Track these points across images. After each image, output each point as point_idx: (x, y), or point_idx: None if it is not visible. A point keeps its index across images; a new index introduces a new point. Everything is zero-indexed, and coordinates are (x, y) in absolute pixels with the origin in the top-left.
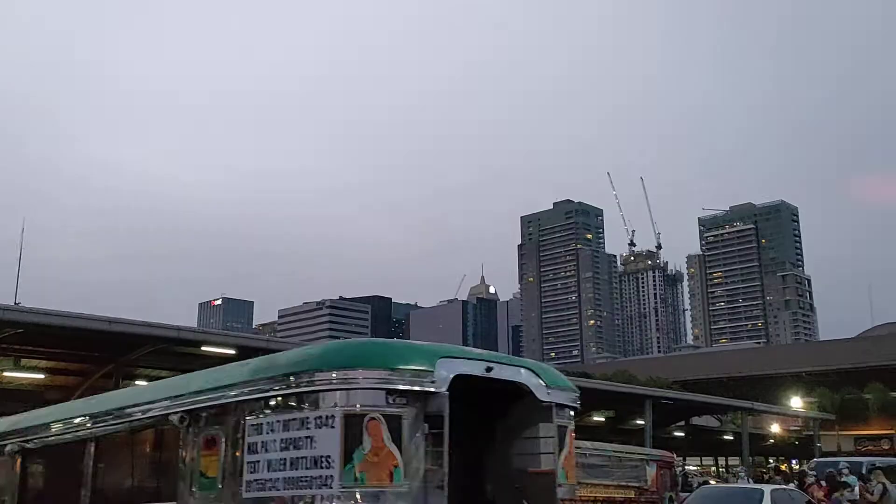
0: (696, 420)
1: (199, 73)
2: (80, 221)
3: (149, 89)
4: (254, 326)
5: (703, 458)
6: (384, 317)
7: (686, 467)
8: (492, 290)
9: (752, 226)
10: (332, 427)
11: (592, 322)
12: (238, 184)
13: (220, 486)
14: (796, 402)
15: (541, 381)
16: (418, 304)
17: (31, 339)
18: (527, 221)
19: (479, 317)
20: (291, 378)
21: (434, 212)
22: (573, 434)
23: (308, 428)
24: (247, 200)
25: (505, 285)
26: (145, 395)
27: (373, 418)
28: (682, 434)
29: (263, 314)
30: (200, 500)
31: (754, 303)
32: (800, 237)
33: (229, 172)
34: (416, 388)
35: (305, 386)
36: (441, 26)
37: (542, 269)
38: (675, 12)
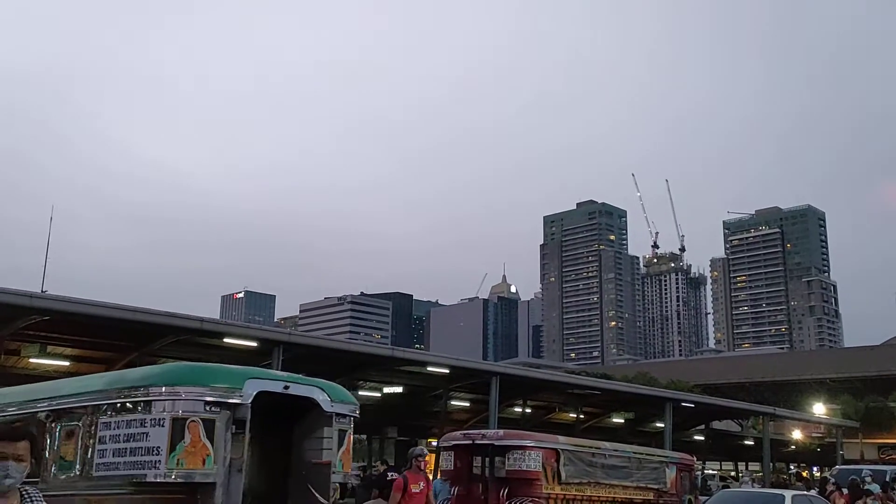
0: (716, 424)
1: (230, 70)
2: (109, 211)
3: (179, 82)
4: (275, 320)
5: (722, 463)
6: (405, 314)
7: (706, 471)
8: (513, 289)
9: (777, 230)
10: (162, 426)
11: (614, 323)
12: (264, 178)
13: (76, 468)
14: (819, 409)
15: (327, 397)
16: (439, 302)
17: (57, 326)
18: (549, 221)
19: (499, 316)
20: (134, 390)
21: (457, 210)
22: (351, 435)
23: (144, 426)
24: (272, 195)
25: (526, 285)
26: (22, 394)
27: (192, 421)
28: (702, 438)
29: (285, 308)
30: (60, 478)
31: (778, 308)
32: (826, 242)
33: (255, 167)
34: (226, 401)
35: (143, 396)
36: (463, 27)
37: (563, 270)
38: (713, 15)
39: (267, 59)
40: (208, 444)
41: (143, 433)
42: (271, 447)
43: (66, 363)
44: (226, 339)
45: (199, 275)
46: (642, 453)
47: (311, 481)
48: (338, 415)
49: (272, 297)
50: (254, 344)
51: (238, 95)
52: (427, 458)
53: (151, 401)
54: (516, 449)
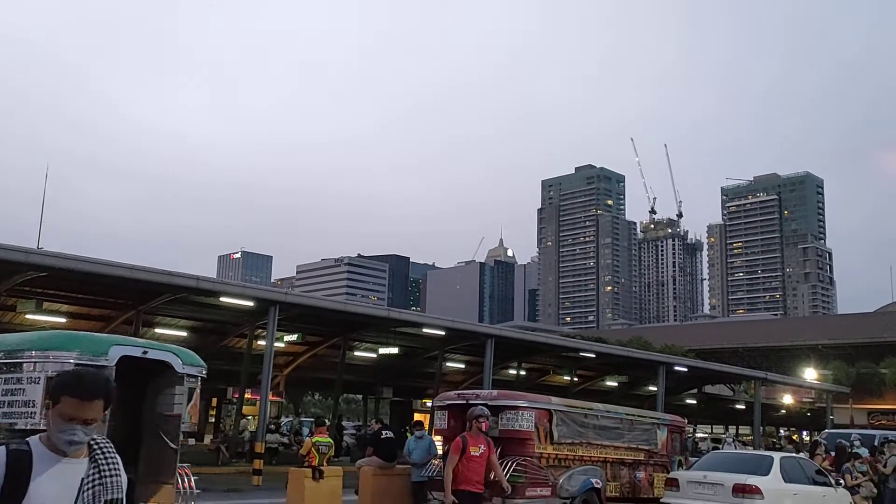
0: (709, 389)
1: (229, 26)
2: (106, 168)
3: (177, 39)
4: (272, 281)
5: (713, 426)
6: (401, 276)
7: (698, 434)
8: (510, 253)
9: (775, 196)
10: (38, 384)
11: (609, 288)
12: (262, 138)
13: None
14: (811, 375)
15: (179, 360)
16: (436, 265)
17: (54, 283)
18: (547, 185)
19: (496, 279)
20: (14, 353)
21: (455, 173)
22: (198, 392)
23: (22, 384)
24: (270, 155)
25: (523, 249)
26: None
27: None
28: (695, 402)
29: (282, 269)
30: None
31: (773, 274)
32: (823, 210)
33: (254, 126)
34: (93, 363)
35: (21, 359)
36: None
37: (561, 234)
38: None
39: (265, 14)
40: None
41: (21, 389)
42: (132, 402)
43: (63, 320)
44: (222, 298)
45: (195, 234)
46: (634, 415)
47: (164, 430)
48: (188, 375)
49: (269, 258)
50: (250, 303)
51: (237, 54)
52: (423, 420)
53: (28, 362)
54: (509, 409)
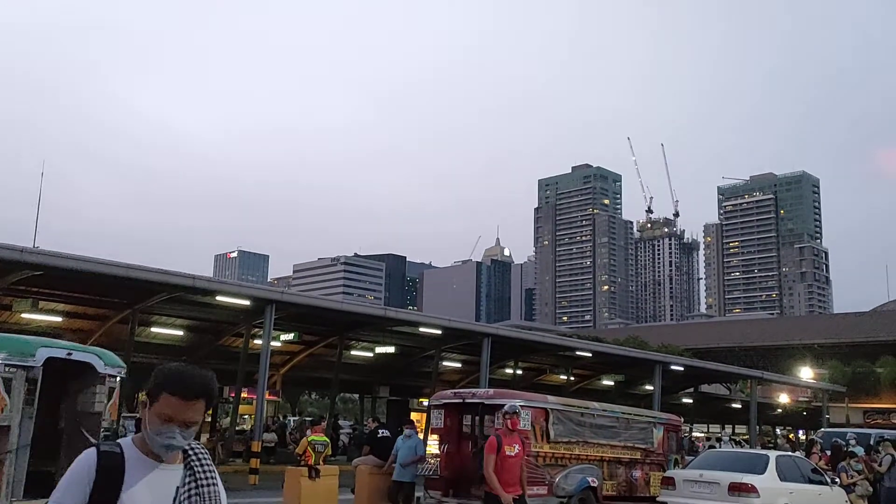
0: (705, 388)
1: (228, 25)
2: (103, 167)
3: (176, 37)
4: (269, 280)
5: (710, 426)
6: (398, 275)
7: (695, 434)
8: (507, 252)
9: (771, 196)
10: None
11: (606, 287)
12: (260, 137)
13: None
14: (807, 374)
15: (101, 361)
16: (432, 264)
17: (50, 282)
18: (544, 185)
19: (492, 278)
20: None
21: (452, 173)
22: (118, 391)
23: None
24: (267, 154)
25: (520, 248)
26: None
27: None
28: (691, 401)
29: (279, 268)
30: None
31: (770, 274)
32: (820, 209)
33: (251, 125)
34: (22, 364)
35: None
36: None
37: (557, 233)
38: None
39: (268, 18)
40: (6, 397)
41: None
42: (56, 400)
43: (59, 319)
44: (218, 297)
45: (192, 233)
46: (630, 413)
47: (85, 426)
48: (109, 376)
49: (265, 257)
50: (246, 302)
51: (234, 53)
52: (419, 419)
53: None
54: None
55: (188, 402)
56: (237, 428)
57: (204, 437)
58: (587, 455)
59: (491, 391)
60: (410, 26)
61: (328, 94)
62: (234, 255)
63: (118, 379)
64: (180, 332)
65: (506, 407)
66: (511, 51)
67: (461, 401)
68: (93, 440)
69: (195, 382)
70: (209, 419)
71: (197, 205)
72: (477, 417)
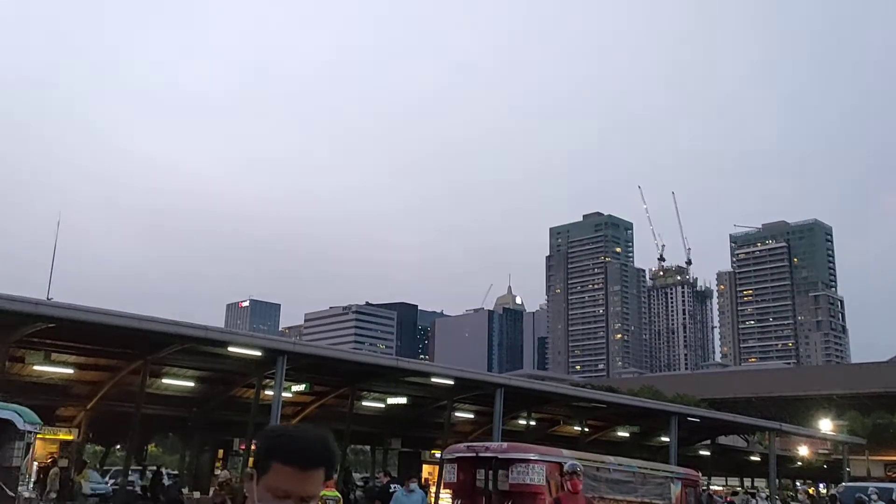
0: (722, 439)
1: (240, 77)
2: (114, 218)
3: (187, 88)
4: (280, 329)
5: (728, 479)
6: (409, 324)
7: (711, 487)
8: (518, 300)
9: (784, 244)
10: None
11: (619, 336)
12: (271, 186)
13: None
14: (826, 425)
15: (20, 418)
16: (444, 313)
17: (62, 333)
18: (556, 233)
19: (504, 327)
20: None
21: (463, 221)
22: (34, 446)
23: None
24: (278, 203)
25: (532, 296)
26: None
27: None
28: (708, 453)
29: (290, 317)
30: None
31: (785, 322)
32: (833, 257)
33: (261, 174)
34: None
35: None
36: (465, 37)
37: (569, 282)
38: (711, 30)
39: (269, 63)
40: None
41: None
42: None
43: (70, 371)
44: (230, 348)
45: (204, 283)
46: (647, 468)
47: (3, 480)
48: (28, 432)
49: (277, 306)
50: (258, 353)
51: (242, 102)
52: (431, 472)
53: None
54: (520, 462)
55: (306, 472)
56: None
57: (212, 490)
58: None
59: (505, 445)
60: (424, 89)
61: (343, 150)
62: (246, 304)
63: (34, 435)
64: (191, 383)
65: (566, 466)
66: (526, 106)
67: (474, 454)
68: (10, 493)
69: (314, 448)
70: (218, 471)
71: (210, 254)
72: (491, 471)
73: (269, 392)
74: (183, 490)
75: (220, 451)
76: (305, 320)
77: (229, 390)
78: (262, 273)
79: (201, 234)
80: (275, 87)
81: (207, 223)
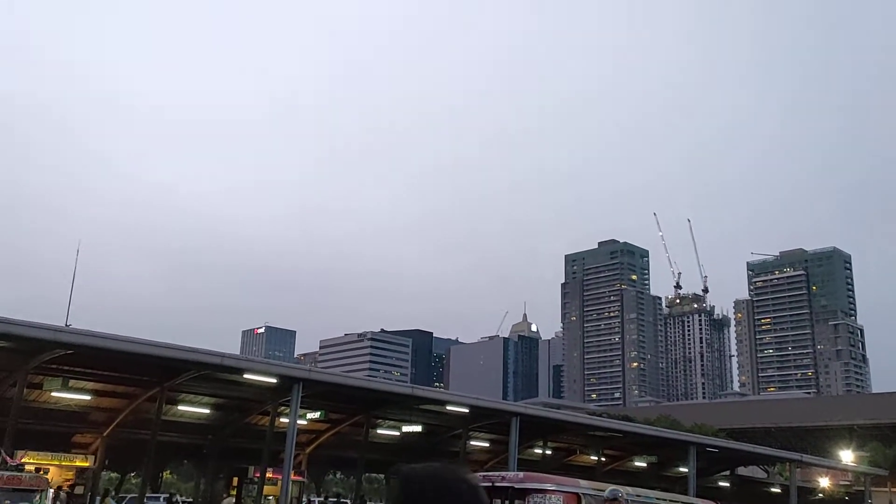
0: (741, 470)
1: (253, 105)
2: (133, 245)
3: (205, 116)
4: (295, 356)
5: None
6: (425, 351)
7: None
8: (534, 328)
9: (802, 272)
10: None
11: (636, 364)
12: (287, 214)
13: None
14: (847, 456)
15: None
16: (459, 340)
17: (80, 360)
18: (571, 260)
19: (520, 355)
20: None
21: (478, 248)
22: None
23: None
24: (295, 230)
25: (547, 324)
26: None
27: None
28: (727, 484)
29: (305, 344)
30: None
31: (804, 351)
32: (852, 285)
33: (280, 202)
34: None
35: None
36: (487, 63)
37: (585, 309)
38: (738, 55)
39: (293, 97)
40: None
41: None
42: None
43: (88, 397)
44: (246, 375)
45: (220, 309)
46: (665, 499)
47: None
48: None
49: (293, 333)
50: (273, 380)
51: (252, 129)
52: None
53: None
54: (536, 492)
55: None
56: None
57: None
58: None
59: (521, 475)
60: (437, 108)
61: (358, 175)
62: (262, 330)
63: None
64: (207, 410)
65: (606, 492)
66: (540, 132)
67: (490, 484)
68: None
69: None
70: (232, 497)
71: (226, 282)
72: (507, 502)
73: (283, 419)
74: None
75: (235, 479)
76: (320, 347)
77: (244, 417)
78: (278, 300)
79: (219, 260)
80: (286, 117)
81: (224, 250)
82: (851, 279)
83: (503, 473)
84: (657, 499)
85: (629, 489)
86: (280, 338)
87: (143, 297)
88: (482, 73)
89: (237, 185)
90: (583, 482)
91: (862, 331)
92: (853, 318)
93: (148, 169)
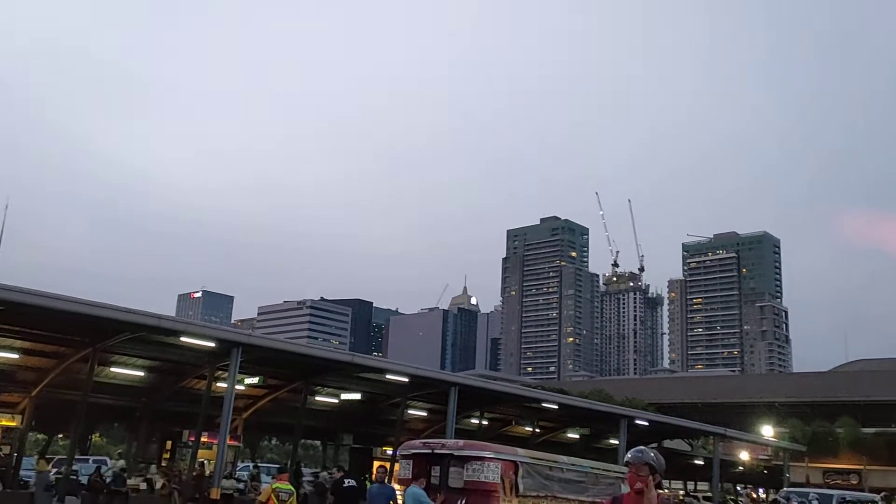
0: (667, 443)
1: (190, 63)
2: (67, 204)
3: (140, 76)
4: (232, 321)
5: (671, 482)
6: (364, 320)
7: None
8: (473, 301)
9: (734, 255)
10: None
11: (571, 339)
12: (224, 177)
13: None
14: (768, 432)
15: None
16: (399, 311)
17: (8, 317)
18: (513, 235)
19: (459, 327)
20: None
21: (420, 220)
22: None
23: None
24: (232, 194)
25: (487, 297)
26: None
27: None
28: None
29: (243, 310)
30: None
31: (732, 331)
32: (780, 269)
33: (217, 165)
34: None
35: None
36: (427, 42)
37: (524, 284)
38: (686, 44)
39: (228, 58)
40: None
41: None
42: None
43: (16, 356)
44: (182, 338)
45: (156, 271)
46: (599, 468)
47: None
48: None
49: (230, 298)
50: (211, 344)
51: (199, 92)
52: (385, 466)
53: None
54: (475, 460)
55: None
56: (194, 473)
57: (160, 482)
58: None
59: (461, 442)
60: (382, 86)
61: (300, 143)
62: (199, 294)
63: None
64: (141, 373)
65: (629, 456)
66: (485, 109)
67: (430, 451)
68: None
69: None
70: (165, 462)
71: (161, 244)
72: (445, 469)
73: (221, 384)
74: (128, 481)
75: (169, 443)
76: (259, 313)
77: (180, 381)
78: (215, 265)
79: (154, 222)
80: (230, 83)
81: (159, 212)
82: (779, 263)
83: (443, 441)
84: (591, 468)
85: (566, 458)
86: (217, 303)
87: (75, 257)
88: (439, 58)
89: (180, 151)
90: (521, 450)
91: (786, 313)
92: (779, 300)
93: (86, 130)
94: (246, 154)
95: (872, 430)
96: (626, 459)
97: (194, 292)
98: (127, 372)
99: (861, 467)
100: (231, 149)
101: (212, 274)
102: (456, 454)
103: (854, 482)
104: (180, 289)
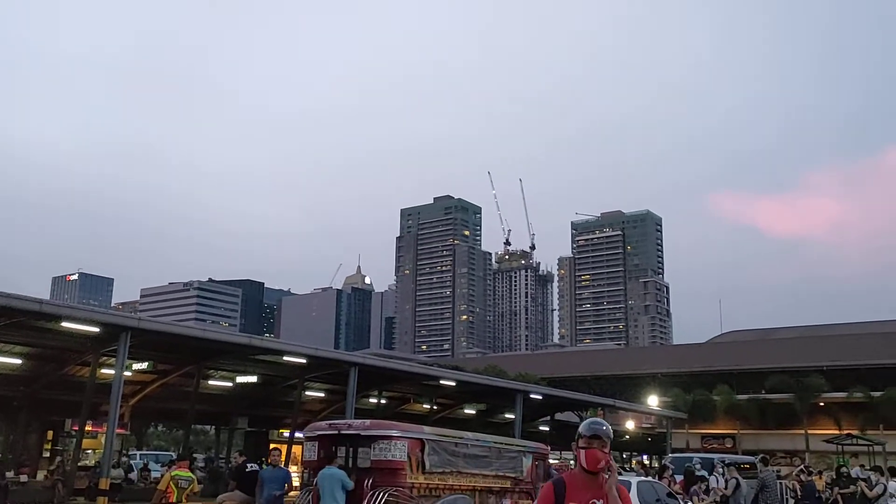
0: (558, 415)
1: (67, 33)
2: None
3: (17, 46)
4: (112, 305)
5: (563, 452)
6: (255, 301)
7: (550, 461)
8: (367, 280)
9: (619, 232)
10: None
11: (465, 317)
12: (100, 153)
13: None
14: (653, 402)
15: None
16: (291, 291)
17: None
18: (406, 214)
19: (353, 306)
20: None
21: (313, 199)
22: None
23: None
24: (109, 172)
25: (381, 277)
26: None
27: None
28: (547, 428)
29: (124, 293)
30: None
31: (617, 306)
32: (662, 246)
33: (93, 139)
34: None
35: None
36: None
37: (418, 263)
38: (578, 26)
39: (111, 24)
40: None
41: None
42: None
43: None
44: (64, 324)
45: (26, 251)
46: (502, 443)
47: None
48: None
49: (110, 281)
50: (96, 329)
51: (81, 63)
52: (280, 448)
53: None
54: (382, 439)
55: None
56: (80, 464)
57: (41, 474)
58: (460, 485)
59: (367, 422)
60: (279, 62)
61: (189, 113)
62: (75, 277)
63: None
64: (19, 361)
65: (589, 429)
66: (381, 87)
67: (336, 432)
68: None
69: None
70: (47, 454)
71: (32, 224)
72: (352, 449)
73: (105, 370)
74: (7, 474)
75: (50, 433)
76: (142, 296)
77: (61, 368)
78: (93, 245)
79: (23, 201)
80: (110, 54)
81: (29, 190)
82: (661, 240)
83: (350, 421)
84: (495, 443)
85: (470, 434)
86: (95, 285)
87: None
88: (340, 42)
89: (50, 120)
90: (427, 428)
91: (668, 288)
92: (661, 276)
93: None
94: (120, 127)
95: (745, 396)
96: (587, 433)
97: (70, 274)
98: (3, 360)
99: (735, 432)
100: (103, 120)
101: (89, 255)
102: (363, 434)
103: (729, 446)
104: (55, 271)
